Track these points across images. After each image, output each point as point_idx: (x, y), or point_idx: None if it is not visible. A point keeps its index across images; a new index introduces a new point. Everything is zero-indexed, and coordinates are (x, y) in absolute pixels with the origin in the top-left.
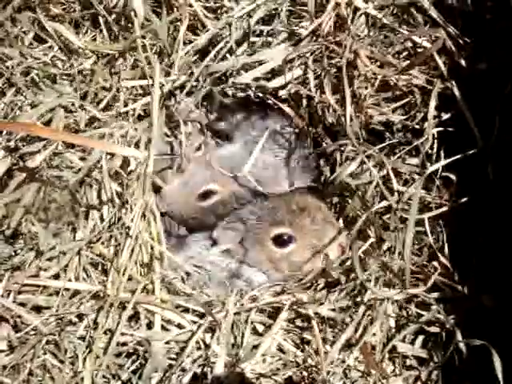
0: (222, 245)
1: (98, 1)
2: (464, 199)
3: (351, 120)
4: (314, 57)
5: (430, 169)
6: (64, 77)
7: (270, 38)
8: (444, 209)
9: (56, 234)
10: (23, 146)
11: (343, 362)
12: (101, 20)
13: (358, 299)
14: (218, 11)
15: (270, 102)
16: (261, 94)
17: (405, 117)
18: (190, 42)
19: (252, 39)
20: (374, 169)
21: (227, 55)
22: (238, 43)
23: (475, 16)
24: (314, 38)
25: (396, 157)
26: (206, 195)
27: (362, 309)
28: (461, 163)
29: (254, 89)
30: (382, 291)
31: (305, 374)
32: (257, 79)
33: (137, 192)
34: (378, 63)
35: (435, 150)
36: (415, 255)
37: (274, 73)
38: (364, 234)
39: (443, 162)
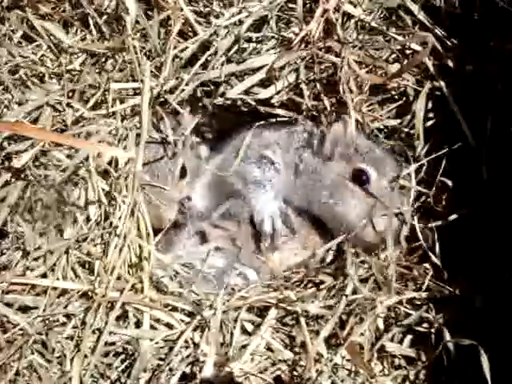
0: (211, 241)
1: (88, 1)
2: (455, 196)
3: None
4: (304, 63)
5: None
6: (52, 76)
7: (259, 45)
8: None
9: (43, 234)
10: (9, 144)
11: (331, 360)
12: (90, 21)
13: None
14: (208, 17)
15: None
16: (253, 103)
17: (398, 121)
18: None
19: (241, 46)
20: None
21: (217, 63)
22: (228, 49)
23: (464, 17)
24: (304, 44)
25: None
26: None
27: (343, 301)
28: (454, 164)
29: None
30: (371, 294)
31: (294, 372)
32: (247, 91)
33: (125, 190)
34: (368, 67)
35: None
36: (406, 255)
37: (264, 81)
38: None
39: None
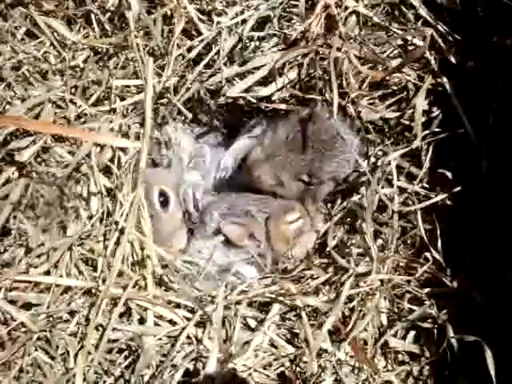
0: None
1: None
2: (456, 192)
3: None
4: (306, 60)
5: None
6: (55, 72)
7: (261, 43)
8: (432, 201)
9: (45, 231)
10: (11, 140)
11: (334, 355)
12: (93, 17)
13: (352, 291)
14: (210, 14)
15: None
16: (254, 101)
17: (397, 114)
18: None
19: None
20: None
21: (220, 64)
22: (231, 50)
23: (466, 13)
24: (305, 40)
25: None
26: None
27: (344, 294)
28: (455, 158)
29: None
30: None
31: (297, 368)
32: (249, 89)
33: (127, 187)
34: (369, 62)
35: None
36: (407, 249)
37: (265, 78)
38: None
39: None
